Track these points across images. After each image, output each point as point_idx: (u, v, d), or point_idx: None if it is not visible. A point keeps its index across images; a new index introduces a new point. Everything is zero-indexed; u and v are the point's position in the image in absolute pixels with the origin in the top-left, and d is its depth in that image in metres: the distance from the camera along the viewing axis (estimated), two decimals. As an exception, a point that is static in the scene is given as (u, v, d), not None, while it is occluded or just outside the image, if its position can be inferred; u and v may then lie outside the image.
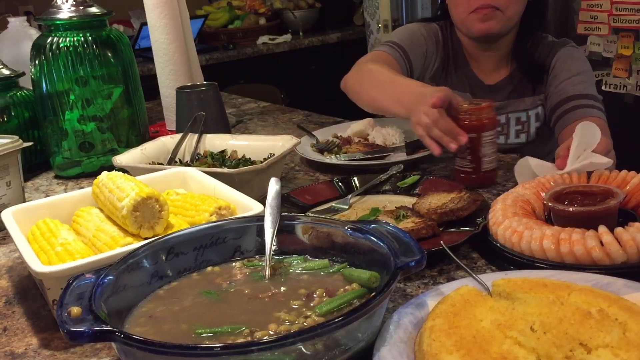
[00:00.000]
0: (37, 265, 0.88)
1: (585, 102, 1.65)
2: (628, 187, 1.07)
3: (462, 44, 1.83)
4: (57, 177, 1.66)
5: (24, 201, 1.38)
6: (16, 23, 2.18)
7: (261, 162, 1.34)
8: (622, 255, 0.89)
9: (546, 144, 1.81)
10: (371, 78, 1.69)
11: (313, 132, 1.76)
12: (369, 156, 1.53)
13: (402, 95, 1.55)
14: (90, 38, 1.59)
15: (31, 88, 1.67)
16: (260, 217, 0.95)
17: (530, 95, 1.77)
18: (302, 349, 0.68)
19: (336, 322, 0.68)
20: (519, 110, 1.78)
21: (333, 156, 1.57)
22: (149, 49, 1.99)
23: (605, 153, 1.25)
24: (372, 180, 1.31)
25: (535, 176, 1.21)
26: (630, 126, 2.73)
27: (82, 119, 1.62)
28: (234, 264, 0.93)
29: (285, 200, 1.22)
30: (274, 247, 0.91)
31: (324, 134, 1.73)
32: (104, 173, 1.12)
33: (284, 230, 0.93)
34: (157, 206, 1.02)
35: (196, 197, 1.11)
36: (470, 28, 1.74)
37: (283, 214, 0.95)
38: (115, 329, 0.70)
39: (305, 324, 0.76)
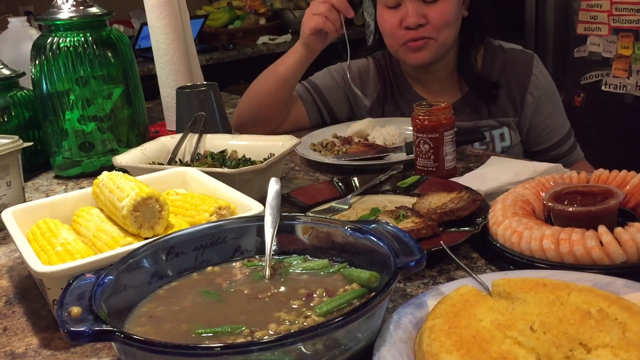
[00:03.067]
0: (37, 265, 0.88)
1: (569, 147, 1.74)
2: (628, 187, 1.07)
3: (402, 68, 1.83)
4: (57, 177, 1.67)
5: (24, 201, 1.38)
6: (16, 23, 2.18)
7: (261, 162, 1.34)
8: (621, 255, 0.89)
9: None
10: (260, 76, 1.82)
11: (312, 133, 1.76)
12: (369, 156, 1.53)
13: (291, 49, 1.74)
14: (90, 38, 1.59)
15: (31, 88, 1.67)
16: (260, 217, 0.95)
17: (489, 117, 1.75)
18: (302, 349, 0.69)
19: (336, 322, 0.68)
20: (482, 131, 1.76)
21: (332, 156, 1.57)
22: (149, 49, 1.99)
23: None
24: (372, 180, 1.31)
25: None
26: (630, 126, 2.73)
27: (82, 119, 1.62)
28: (234, 264, 0.93)
29: (285, 200, 1.22)
30: (274, 247, 0.91)
31: (324, 134, 1.74)
32: (104, 173, 1.13)
33: (284, 230, 0.93)
34: (157, 206, 1.02)
35: (196, 197, 1.11)
36: (404, 59, 1.75)
37: (283, 214, 0.95)
38: (115, 329, 0.70)
39: (305, 324, 0.76)
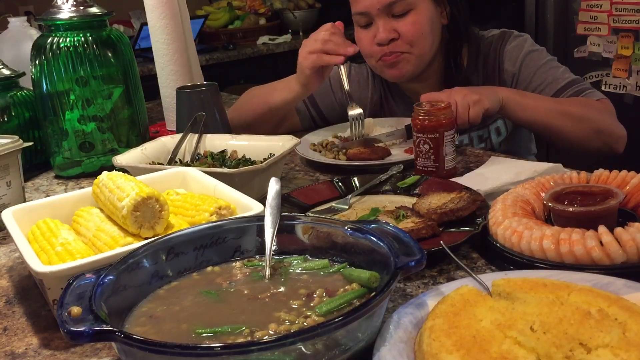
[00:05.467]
0: (37, 265, 0.88)
1: (582, 87, 1.64)
2: (628, 187, 1.07)
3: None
4: (57, 177, 1.67)
5: (24, 201, 1.38)
6: (16, 23, 2.18)
7: (261, 162, 1.34)
8: (621, 255, 0.89)
9: (516, 147, 1.80)
10: (249, 98, 1.80)
11: (312, 133, 1.76)
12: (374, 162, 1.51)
13: (288, 80, 1.67)
14: (90, 38, 1.59)
15: (31, 88, 1.67)
16: (260, 217, 0.95)
17: None
18: (302, 349, 0.69)
19: (336, 322, 0.68)
20: (479, 128, 1.75)
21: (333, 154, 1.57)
22: (149, 49, 1.99)
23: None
24: (372, 180, 1.31)
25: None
26: (630, 126, 2.73)
27: (82, 119, 1.62)
28: (234, 264, 0.93)
29: (285, 200, 1.22)
30: (274, 247, 0.91)
31: (324, 134, 1.74)
32: (104, 173, 1.13)
33: (284, 230, 0.93)
34: (157, 206, 1.02)
35: (196, 197, 1.11)
36: (383, 75, 1.73)
37: (283, 214, 0.95)
38: (115, 329, 0.70)
39: (305, 323, 0.76)
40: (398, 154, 1.56)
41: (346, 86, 1.64)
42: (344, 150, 1.57)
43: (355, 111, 1.64)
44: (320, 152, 1.62)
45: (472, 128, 1.75)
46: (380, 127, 1.70)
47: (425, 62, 1.68)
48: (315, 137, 1.72)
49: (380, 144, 1.61)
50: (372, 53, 1.68)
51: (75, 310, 0.72)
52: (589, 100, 1.60)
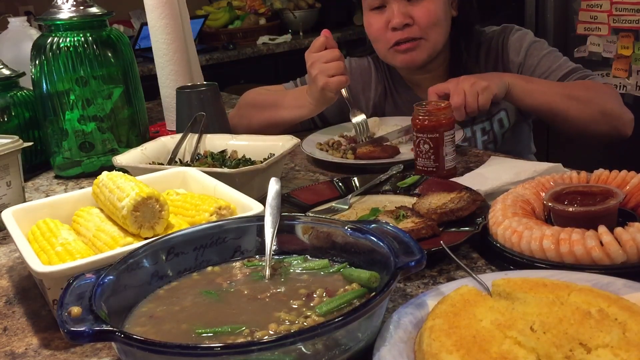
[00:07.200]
0: (37, 265, 0.88)
1: (586, 73, 1.65)
2: (628, 187, 1.07)
3: (398, 71, 1.81)
4: (57, 177, 1.67)
5: (24, 201, 1.38)
6: (16, 23, 2.18)
7: (261, 162, 1.34)
8: (621, 255, 0.89)
9: (515, 145, 1.80)
10: (255, 105, 1.78)
11: (319, 132, 1.76)
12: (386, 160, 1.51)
13: (299, 98, 1.65)
14: (90, 38, 1.59)
15: (31, 88, 1.67)
16: (260, 217, 0.95)
17: None
18: (302, 349, 0.69)
19: (336, 322, 0.68)
20: (482, 121, 1.76)
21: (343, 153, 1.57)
22: (149, 49, 1.99)
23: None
24: (372, 180, 1.32)
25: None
26: (630, 126, 2.73)
27: (82, 119, 1.62)
28: (234, 264, 0.93)
29: (285, 200, 1.23)
30: (274, 247, 0.91)
31: (330, 133, 1.73)
32: (104, 173, 1.13)
33: (284, 230, 0.93)
34: (158, 206, 1.02)
35: (196, 197, 1.11)
36: (393, 61, 1.72)
37: (283, 214, 0.95)
38: (115, 329, 0.70)
39: (305, 324, 0.76)
40: (407, 152, 1.55)
41: (345, 94, 1.64)
42: (352, 150, 1.56)
43: (358, 118, 1.65)
44: (327, 151, 1.61)
45: (476, 120, 1.75)
46: (385, 126, 1.70)
47: (437, 51, 1.69)
48: (322, 136, 1.72)
49: (388, 143, 1.61)
50: (384, 38, 1.67)
51: (75, 310, 0.72)
52: (595, 83, 1.61)
